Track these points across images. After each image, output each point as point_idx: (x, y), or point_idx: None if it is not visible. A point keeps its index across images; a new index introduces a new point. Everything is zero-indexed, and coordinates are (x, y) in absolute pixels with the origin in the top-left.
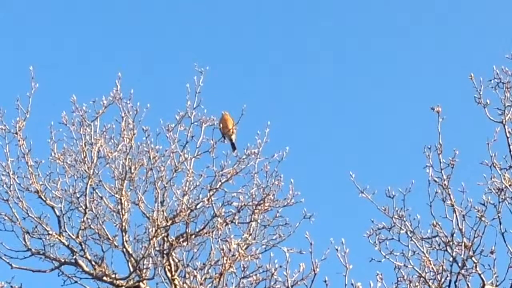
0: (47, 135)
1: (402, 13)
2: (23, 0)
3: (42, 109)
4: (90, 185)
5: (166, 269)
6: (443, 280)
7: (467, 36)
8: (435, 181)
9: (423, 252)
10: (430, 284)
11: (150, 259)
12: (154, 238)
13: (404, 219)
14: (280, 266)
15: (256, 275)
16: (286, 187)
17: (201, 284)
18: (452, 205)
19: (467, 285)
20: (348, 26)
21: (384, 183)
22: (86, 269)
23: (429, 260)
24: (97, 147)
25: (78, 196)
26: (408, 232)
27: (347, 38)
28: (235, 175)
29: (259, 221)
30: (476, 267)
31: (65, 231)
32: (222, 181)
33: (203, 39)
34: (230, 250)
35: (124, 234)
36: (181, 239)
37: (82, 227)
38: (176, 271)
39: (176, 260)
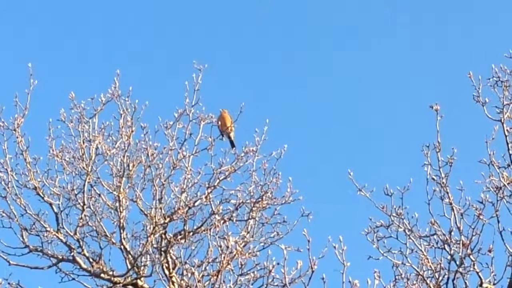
0: (45, 132)
1: (402, 12)
2: None
3: (41, 106)
4: (88, 182)
5: (164, 267)
6: (441, 278)
7: (466, 35)
8: (433, 179)
9: (421, 250)
10: (428, 282)
11: (148, 256)
12: (152, 235)
13: (402, 217)
14: (278, 264)
15: (253, 272)
16: (284, 185)
17: (198, 281)
18: (450, 203)
19: (465, 283)
20: (347, 24)
21: (382, 181)
22: (84, 266)
23: (427, 258)
24: (95, 144)
25: (76, 193)
26: (406, 230)
27: (346, 36)
28: (233, 173)
29: (257, 218)
30: (474, 265)
31: (63, 228)
32: (220, 178)
33: (202, 37)
34: (228, 247)
35: (122, 231)
36: (179, 237)
37: (80, 224)
38: (174, 268)
39: (174, 258)
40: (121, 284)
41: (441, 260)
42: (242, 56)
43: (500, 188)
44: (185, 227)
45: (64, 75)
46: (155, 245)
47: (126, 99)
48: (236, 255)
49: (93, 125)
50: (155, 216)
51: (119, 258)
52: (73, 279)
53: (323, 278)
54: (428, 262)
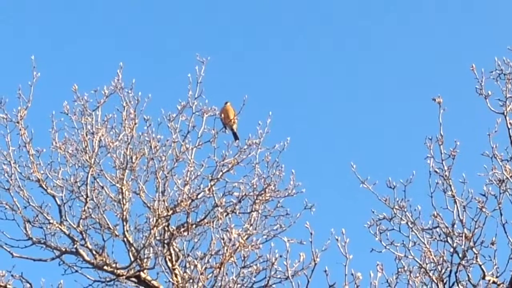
0: (48, 124)
1: (404, 2)
2: None
3: (44, 98)
4: (91, 174)
5: (167, 259)
6: (443, 271)
7: (469, 27)
8: (436, 172)
9: (423, 243)
10: (431, 274)
11: (151, 248)
12: (155, 228)
13: (405, 209)
14: (281, 256)
15: (256, 265)
16: (287, 178)
17: (201, 273)
18: (453, 196)
19: (468, 276)
20: (349, 14)
21: (385, 174)
22: (87, 258)
23: (430, 251)
24: (99, 136)
25: (79, 185)
26: (409, 223)
27: (347, 27)
28: (236, 165)
29: (260, 211)
30: (476, 258)
31: (66, 220)
32: (223, 171)
33: (205, 29)
34: (230, 240)
35: (125, 223)
36: (182, 229)
37: (83, 216)
38: (176, 260)
39: (177, 250)
40: (124, 277)
41: (443, 253)
42: (246, 49)
43: (503, 181)
44: (188, 220)
45: (67, 67)
46: (158, 238)
47: (129, 91)
48: (239, 248)
49: (96, 118)
50: (158, 209)
51: (122, 251)
52: (76, 271)
53: (325, 271)
54: (431, 254)
